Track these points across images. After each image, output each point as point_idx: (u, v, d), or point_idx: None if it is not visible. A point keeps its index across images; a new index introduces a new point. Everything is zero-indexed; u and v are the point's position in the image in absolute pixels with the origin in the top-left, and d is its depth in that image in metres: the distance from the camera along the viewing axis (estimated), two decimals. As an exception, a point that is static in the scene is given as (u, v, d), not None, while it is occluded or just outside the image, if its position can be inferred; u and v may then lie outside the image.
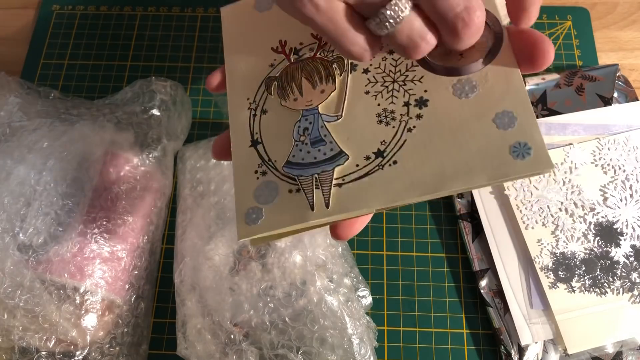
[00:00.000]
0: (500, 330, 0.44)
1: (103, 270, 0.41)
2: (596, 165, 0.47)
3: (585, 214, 0.46)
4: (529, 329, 0.43)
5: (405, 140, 0.26)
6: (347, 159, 0.27)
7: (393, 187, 0.26)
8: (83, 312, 0.39)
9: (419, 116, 0.27)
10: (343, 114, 0.28)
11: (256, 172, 0.29)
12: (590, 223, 0.46)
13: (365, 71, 0.28)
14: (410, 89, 0.27)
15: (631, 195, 0.46)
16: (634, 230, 0.45)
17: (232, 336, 0.40)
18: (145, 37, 0.57)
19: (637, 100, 0.50)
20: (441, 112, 0.26)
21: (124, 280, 0.42)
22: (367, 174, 0.26)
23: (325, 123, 0.28)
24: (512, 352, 0.43)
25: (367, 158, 0.27)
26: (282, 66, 0.30)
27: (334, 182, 0.27)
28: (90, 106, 0.49)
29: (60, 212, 0.41)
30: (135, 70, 0.55)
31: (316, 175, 0.27)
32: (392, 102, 0.27)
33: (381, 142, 0.27)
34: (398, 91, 0.27)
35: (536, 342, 0.43)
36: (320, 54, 0.30)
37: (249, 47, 0.31)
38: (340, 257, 0.43)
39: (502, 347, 0.43)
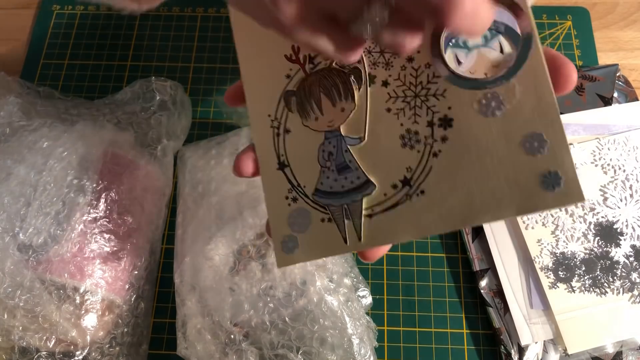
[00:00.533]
0: (500, 330, 0.44)
1: (103, 270, 0.41)
2: (596, 165, 0.47)
3: (585, 213, 0.46)
4: (529, 329, 0.43)
5: (431, 167, 0.25)
6: (375, 188, 0.26)
7: (422, 219, 0.25)
8: (83, 312, 0.39)
9: (444, 139, 0.25)
10: (366, 136, 0.27)
11: (287, 197, 0.28)
12: (590, 223, 0.46)
13: (385, 84, 0.27)
14: (433, 106, 0.26)
15: (631, 195, 0.46)
16: (634, 230, 0.45)
17: (232, 336, 0.40)
18: (145, 37, 0.57)
19: (637, 100, 0.50)
20: (466, 133, 0.25)
21: (124, 280, 0.42)
22: (395, 205, 0.26)
23: (349, 147, 0.27)
24: (512, 352, 0.43)
25: (394, 187, 0.26)
26: (298, 78, 0.28)
27: (364, 212, 0.27)
28: (90, 106, 0.49)
29: (60, 212, 0.41)
30: (135, 70, 0.55)
31: (346, 206, 0.27)
32: (415, 122, 0.26)
33: (407, 169, 0.26)
34: (421, 108, 0.26)
35: (536, 342, 0.43)
36: (335, 63, 0.28)
37: (264, 56, 0.29)
38: (340, 257, 0.43)
39: (502, 347, 0.43)
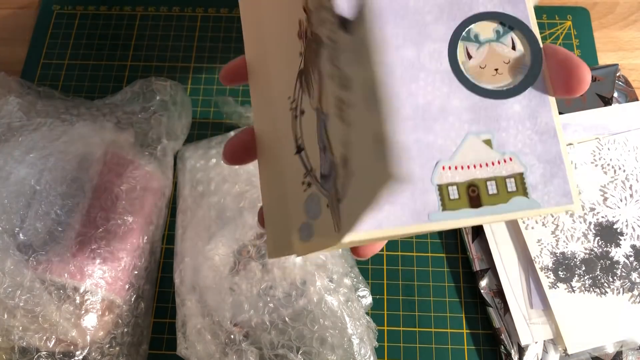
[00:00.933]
0: (500, 330, 0.44)
1: (103, 270, 0.41)
2: (596, 165, 0.47)
3: (585, 214, 0.46)
4: (529, 329, 0.43)
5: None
6: None
7: None
8: (83, 312, 0.39)
9: None
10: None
11: (303, 182, 0.26)
12: (590, 223, 0.46)
13: None
14: None
15: (631, 195, 0.46)
16: (634, 230, 0.45)
17: (232, 336, 0.40)
18: (145, 37, 0.57)
19: (637, 100, 0.50)
20: None
21: (124, 280, 0.42)
22: None
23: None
24: (512, 352, 0.43)
25: None
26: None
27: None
28: (90, 106, 0.49)
29: (60, 212, 0.41)
30: (135, 70, 0.55)
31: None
32: None
33: None
34: None
35: (536, 342, 0.43)
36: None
37: (274, 31, 0.27)
38: (340, 257, 0.43)
39: (502, 347, 0.43)
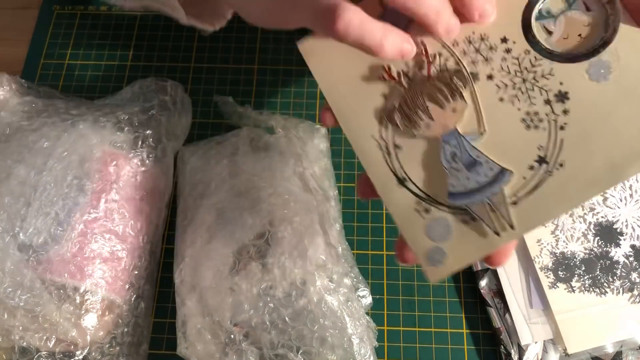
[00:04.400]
0: (500, 330, 0.44)
1: (103, 270, 0.41)
2: (596, 165, 0.47)
3: (585, 213, 0.46)
4: (528, 328, 0.43)
5: (562, 140, 0.26)
6: (512, 174, 0.26)
7: (570, 190, 0.25)
8: (83, 312, 0.39)
9: (565, 112, 0.26)
10: (486, 129, 0.27)
11: (417, 210, 0.28)
12: (590, 223, 0.46)
13: (490, 77, 0.27)
14: (544, 85, 0.27)
15: (631, 195, 0.46)
16: (634, 230, 0.45)
17: (232, 336, 0.40)
18: (145, 37, 0.57)
19: (637, 100, 0.50)
20: (586, 102, 0.26)
21: (124, 280, 0.42)
22: (539, 184, 0.26)
23: (472, 143, 0.27)
24: (512, 352, 0.43)
25: (531, 168, 0.26)
26: (397, 94, 0.29)
27: (508, 201, 0.26)
28: (90, 106, 0.49)
29: (60, 212, 0.41)
30: (135, 70, 0.55)
31: (487, 200, 0.27)
32: (532, 104, 0.27)
33: (539, 148, 0.26)
34: (533, 90, 0.27)
35: (536, 342, 0.43)
36: (433, 71, 0.28)
37: (349, 82, 0.30)
38: (340, 257, 0.43)
39: (502, 347, 0.43)
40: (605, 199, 0.46)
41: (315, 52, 0.30)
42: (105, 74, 0.55)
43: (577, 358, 0.43)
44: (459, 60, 0.28)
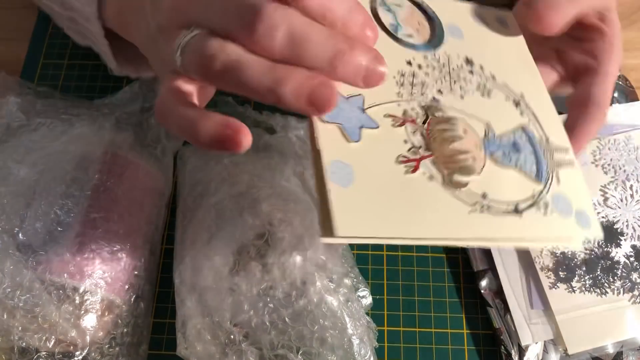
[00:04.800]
0: (501, 331, 0.44)
1: (103, 270, 0.41)
2: (596, 165, 0.47)
3: (585, 214, 0.46)
4: (529, 329, 0.43)
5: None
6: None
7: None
8: (83, 312, 0.39)
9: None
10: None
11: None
12: (590, 223, 0.46)
13: (440, 92, 0.31)
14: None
15: (631, 196, 0.46)
16: (635, 230, 0.45)
17: (232, 336, 0.40)
18: (145, 37, 0.56)
19: (637, 100, 0.50)
20: None
21: (124, 280, 0.42)
22: None
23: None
24: (513, 352, 0.43)
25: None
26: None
27: None
28: (90, 106, 0.49)
29: (60, 212, 0.41)
30: (135, 70, 0.55)
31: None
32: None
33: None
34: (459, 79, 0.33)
35: (536, 342, 0.43)
36: (419, 123, 0.29)
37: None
38: (340, 257, 0.43)
39: (503, 347, 0.43)
40: (605, 199, 0.46)
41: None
42: (105, 74, 0.55)
43: (577, 358, 0.42)
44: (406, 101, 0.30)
